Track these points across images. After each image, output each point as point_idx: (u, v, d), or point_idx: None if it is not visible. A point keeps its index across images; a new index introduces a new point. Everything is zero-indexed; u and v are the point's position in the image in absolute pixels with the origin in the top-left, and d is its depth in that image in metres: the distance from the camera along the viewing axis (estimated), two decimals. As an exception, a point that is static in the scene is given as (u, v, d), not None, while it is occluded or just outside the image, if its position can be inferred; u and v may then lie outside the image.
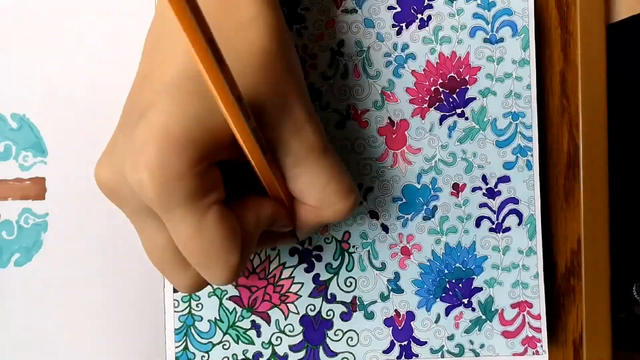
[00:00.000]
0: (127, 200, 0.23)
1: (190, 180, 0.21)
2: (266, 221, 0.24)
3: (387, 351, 0.31)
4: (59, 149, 0.31)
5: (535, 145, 0.32)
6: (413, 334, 0.31)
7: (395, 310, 0.31)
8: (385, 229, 0.31)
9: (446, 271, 0.32)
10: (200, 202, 0.21)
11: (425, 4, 0.31)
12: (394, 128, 0.31)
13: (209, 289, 0.31)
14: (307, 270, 0.31)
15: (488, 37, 0.32)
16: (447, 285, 0.32)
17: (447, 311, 0.32)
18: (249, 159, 0.23)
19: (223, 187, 0.22)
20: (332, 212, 0.26)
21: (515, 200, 0.32)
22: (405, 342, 0.31)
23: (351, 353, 0.31)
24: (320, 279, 0.31)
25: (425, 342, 0.31)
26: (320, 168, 0.25)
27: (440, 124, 0.32)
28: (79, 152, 0.31)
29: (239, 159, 0.23)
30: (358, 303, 0.31)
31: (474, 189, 0.32)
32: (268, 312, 0.31)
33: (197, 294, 0.30)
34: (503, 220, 0.32)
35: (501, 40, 0.32)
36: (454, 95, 0.32)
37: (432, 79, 0.31)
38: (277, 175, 0.24)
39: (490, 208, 0.32)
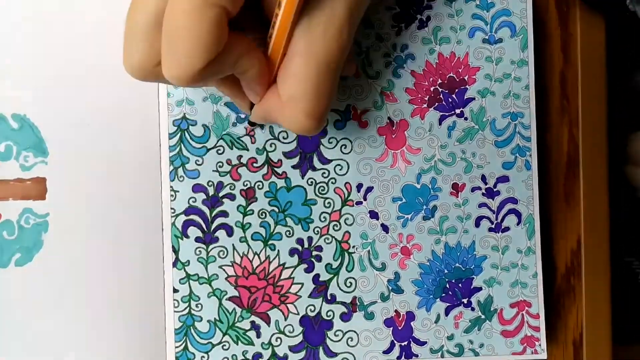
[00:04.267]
0: None
1: None
2: (246, 64, 0.24)
3: (387, 351, 0.31)
4: (59, 149, 0.32)
5: (533, 145, 0.32)
6: (413, 334, 0.31)
7: (395, 311, 0.31)
8: (385, 229, 0.31)
9: (446, 271, 0.32)
10: None
11: (425, 5, 0.31)
12: (394, 128, 0.31)
13: (208, 289, 0.31)
14: (307, 271, 0.31)
15: (487, 37, 0.32)
16: (447, 285, 0.32)
17: (447, 311, 0.32)
18: (274, 19, 0.24)
19: (237, 9, 0.22)
20: (289, 117, 0.25)
21: (514, 200, 0.32)
22: (405, 343, 0.31)
23: (351, 354, 0.31)
24: (320, 279, 0.31)
25: (425, 342, 0.31)
26: (314, 77, 0.24)
27: (440, 124, 0.32)
28: (79, 152, 0.32)
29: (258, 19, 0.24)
30: (358, 303, 0.31)
31: (473, 189, 0.32)
32: (268, 312, 0.31)
33: (197, 294, 0.30)
34: (502, 220, 0.32)
35: (500, 40, 0.32)
36: (453, 96, 0.32)
37: (431, 79, 0.32)
38: (282, 48, 0.25)
39: (489, 208, 0.32)
